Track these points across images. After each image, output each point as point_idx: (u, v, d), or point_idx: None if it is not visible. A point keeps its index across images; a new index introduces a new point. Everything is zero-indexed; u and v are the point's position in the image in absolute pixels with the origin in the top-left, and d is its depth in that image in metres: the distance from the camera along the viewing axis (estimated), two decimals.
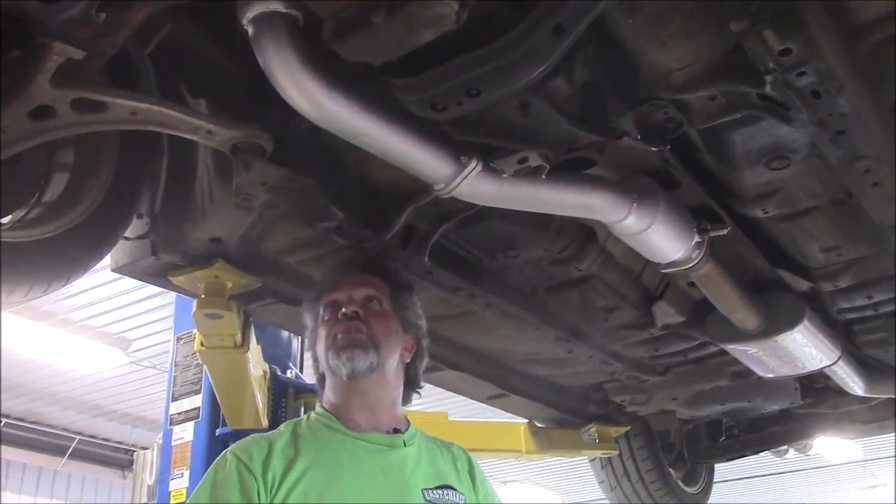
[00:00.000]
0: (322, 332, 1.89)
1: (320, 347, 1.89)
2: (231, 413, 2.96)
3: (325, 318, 1.91)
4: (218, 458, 1.76)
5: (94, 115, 1.55)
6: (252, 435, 1.84)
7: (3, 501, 10.43)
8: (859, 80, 1.67)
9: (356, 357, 1.82)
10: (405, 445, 1.86)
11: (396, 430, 1.87)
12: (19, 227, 1.78)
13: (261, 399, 2.96)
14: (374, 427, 1.84)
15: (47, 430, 10.49)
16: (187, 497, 3.24)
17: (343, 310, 1.87)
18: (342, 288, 1.92)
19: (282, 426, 1.87)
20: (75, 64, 1.47)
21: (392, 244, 2.12)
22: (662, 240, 2.05)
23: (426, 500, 1.77)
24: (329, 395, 1.90)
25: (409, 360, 1.95)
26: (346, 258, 2.10)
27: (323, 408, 1.90)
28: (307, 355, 2.16)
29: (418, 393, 1.99)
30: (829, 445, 10.48)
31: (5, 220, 1.78)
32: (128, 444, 11.12)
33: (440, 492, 1.81)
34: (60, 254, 1.84)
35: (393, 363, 1.89)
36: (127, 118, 1.58)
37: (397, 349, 1.91)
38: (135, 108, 1.57)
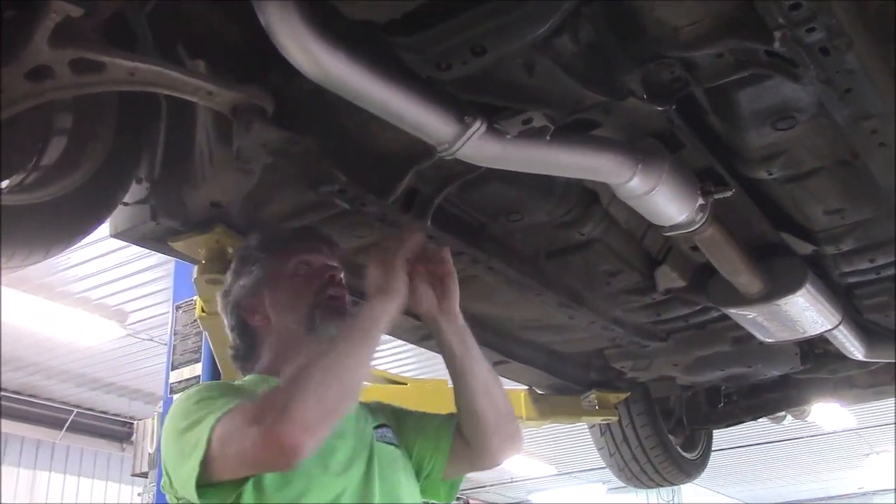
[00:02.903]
0: (298, 288, 1.86)
1: (291, 302, 1.85)
2: (232, 380, 2.95)
3: (299, 273, 1.88)
4: (189, 391, 1.74)
5: (92, 75, 1.52)
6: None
7: (1, 474, 10.48)
8: (868, 37, 1.65)
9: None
10: None
11: None
12: (18, 191, 1.76)
13: None
14: None
15: (45, 403, 10.51)
16: None
17: (332, 274, 1.88)
18: (317, 252, 1.92)
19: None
20: (73, 23, 1.44)
21: (394, 208, 2.11)
22: (666, 202, 2.04)
23: (375, 439, 1.83)
24: (277, 358, 1.85)
25: None
26: (308, 225, 2.09)
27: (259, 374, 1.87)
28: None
29: None
30: (824, 414, 10.56)
31: (4, 184, 1.76)
32: (126, 417, 11.15)
33: (381, 431, 1.87)
34: (59, 218, 1.83)
35: None
36: (125, 79, 1.56)
37: None
38: (133, 69, 1.55)
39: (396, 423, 1.96)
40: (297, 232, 2.03)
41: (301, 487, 1.62)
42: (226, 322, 1.95)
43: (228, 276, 1.96)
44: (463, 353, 1.93)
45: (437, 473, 1.93)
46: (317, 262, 1.91)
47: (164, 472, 1.68)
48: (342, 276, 1.93)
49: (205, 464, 1.52)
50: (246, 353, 1.92)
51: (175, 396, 3.41)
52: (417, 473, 1.91)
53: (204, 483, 1.54)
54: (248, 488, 1.58)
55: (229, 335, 1.95)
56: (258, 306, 1.89)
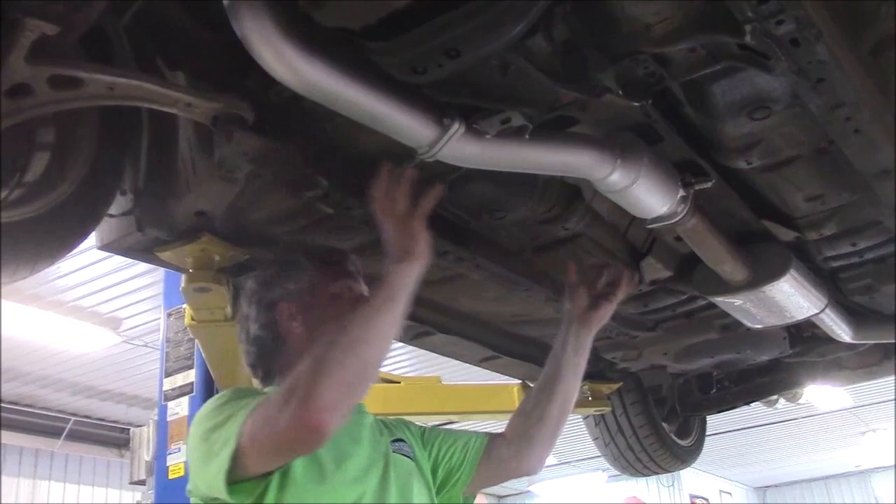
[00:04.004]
0: (340, 311, 1.85)
1: (329, 322, 1.84)
2: (225, 386, 2.94)
3: (343, 297, 1.91)
4: (216, 396, 1.78)
5: (71, 91, 1.53)
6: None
7: (1, 484, 10.47)
8: (837, 27, 1.67)
9: None
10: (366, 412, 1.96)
11: None
12: (1, 208, 1.76)
13: None
14: None
15: (42, 412, 10.49)
16: (185, 471, 3.26)
17: None
18: (359, 279, 1.96)
19: None
20: (49, 40, 1.45)
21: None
22: (647, 195, 2.05)
23: (391, 451, 1.88)
24: None
25: None
26: (345, 251, 2.11)
27: None
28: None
29: None
30: (819, 394, 10.62)
31: None
32: (123, 423, 11.13)
33: (397, 444, 1.92)
34: (44, 233, 1.84)
35: None
36: (104, 93, 1.57)
37: None
38: (112, 83, 1.56)
39: (420, 440, 2.01)
40: (341, 254, 2.03)
41: (321, 491, 1.66)
42: (250, 318, 1.94)
43: (256, 277, 1.97)
44: (568, 364, 2.15)
45: (461, 487, 2.01)
46: (357, 290, 1.94)
47: (190, 476, 1.70)
48: None
49: (235, 459, 1.53)
50: (265, 356, 1.91)
51: (169, 404, 3.43)
52: (442, 486, 1.97)
53: (233, 480, 1.55)
54: (272, 490, 1.61)
55: (249, 334, 1.94)
56: (297, 313, 1.89)
